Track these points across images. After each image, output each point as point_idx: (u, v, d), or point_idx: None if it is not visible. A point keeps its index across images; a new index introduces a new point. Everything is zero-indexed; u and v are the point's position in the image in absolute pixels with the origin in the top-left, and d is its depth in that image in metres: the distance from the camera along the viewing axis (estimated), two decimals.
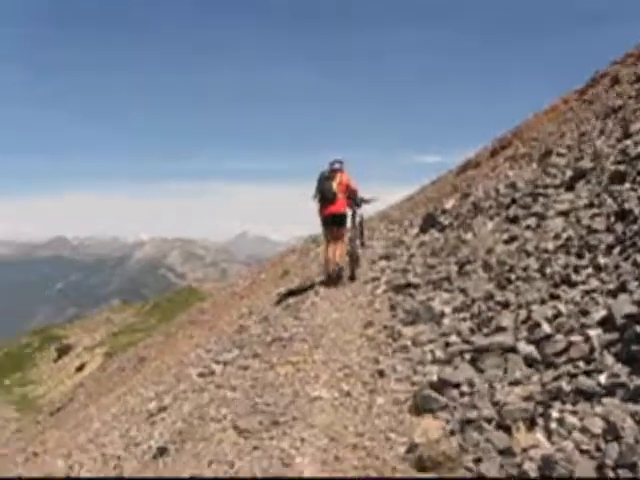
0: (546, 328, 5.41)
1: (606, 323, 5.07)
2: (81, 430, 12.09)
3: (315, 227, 12.05)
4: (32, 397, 36.49)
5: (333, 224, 11.14)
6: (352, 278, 11.01)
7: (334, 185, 10.97)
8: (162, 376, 11.95)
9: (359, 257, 11.67)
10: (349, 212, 11.47)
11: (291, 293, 12.06)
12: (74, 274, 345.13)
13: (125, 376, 18.47)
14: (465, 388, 5.26)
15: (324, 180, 11.08)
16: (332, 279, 11.08)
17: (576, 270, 6.28)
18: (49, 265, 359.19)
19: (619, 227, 6.60)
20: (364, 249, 12.31)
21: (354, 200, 11.47)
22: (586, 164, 9.10)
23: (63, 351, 43.69)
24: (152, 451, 7.00)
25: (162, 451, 6.74)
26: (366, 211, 12.46)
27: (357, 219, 11.83)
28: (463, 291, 7.54)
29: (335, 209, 11.04)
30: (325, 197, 11.01)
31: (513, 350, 5.44)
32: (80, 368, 36.82)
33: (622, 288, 5.41)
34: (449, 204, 12.70)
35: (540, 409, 4.55)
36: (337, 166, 11.25)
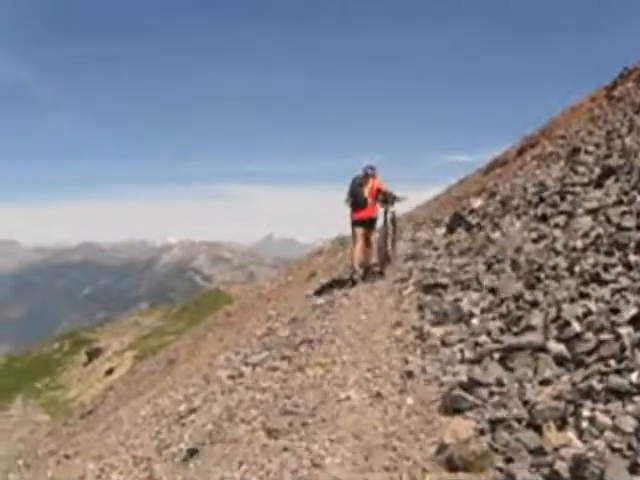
0: (576, 327, 5.37)
1: (637, 321, 5.03)
2: (111, 433, 12.18)
3: (342, 229, 12.11)
4: (63, 400, 36.85)
5: (362, 226, 11.35)
6: (381, 273, 11.18)
7: (366, 191, 11.30)
8: (191, 378, 12.01)
9: (389, 254, 11.70)
10: (381, 211, 11.64)
11: (319, 294, 12.09)
12: (104, 278, 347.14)
13: (155, 379, 18.59)
14: (495, 388, 5.22)
15: (357, 186, 11.40)
16: (360, 279, 11.16)
17: (606, 268, 6.23)
18: (79, 270, 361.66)
19: None
20: (393, 248, 12.27)
21: (386, 198, 11.54)
22: (615, 161, 9.02)
23: (93, 355, 44.06)
24: (182, 453, 7.03)
25: (192, 453, 6.77)
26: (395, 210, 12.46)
27: (389, 216, 11.85)
28: (492, 291, 7.50)
29: (366, 214, 11.39)
30: (357, 202, 11.37)
31: (543, 349, 5.41)
32: (110, 371, 37.12)
33: None
34: (477, 203, 12.65)
35: (571, 408, 4.51)
36: (369, 172, 11.51)
